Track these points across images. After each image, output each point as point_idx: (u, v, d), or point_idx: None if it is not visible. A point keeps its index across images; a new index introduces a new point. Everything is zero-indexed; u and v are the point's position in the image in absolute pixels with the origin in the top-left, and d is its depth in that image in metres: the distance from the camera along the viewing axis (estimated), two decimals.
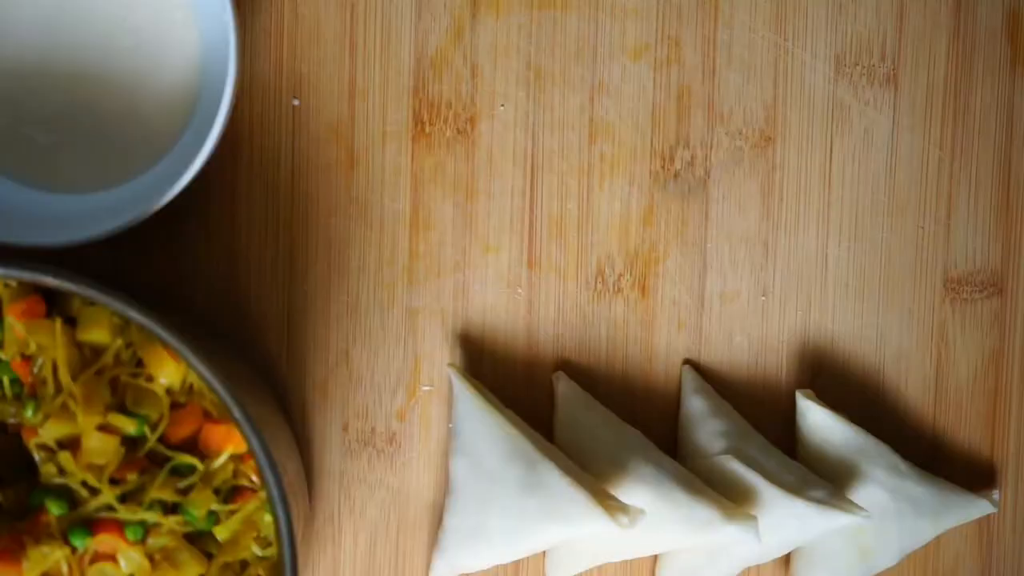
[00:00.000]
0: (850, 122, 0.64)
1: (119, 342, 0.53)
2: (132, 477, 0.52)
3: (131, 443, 0.53)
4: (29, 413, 0.52)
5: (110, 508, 0.52)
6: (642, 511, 0.58)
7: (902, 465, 0.63)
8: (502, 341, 0.64)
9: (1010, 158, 0.65)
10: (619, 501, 0.59)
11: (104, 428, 0.52)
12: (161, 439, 0.53)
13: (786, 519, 0.61)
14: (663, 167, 0.63)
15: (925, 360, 0.65)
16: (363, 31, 0.62)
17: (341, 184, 0.62)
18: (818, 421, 0.63)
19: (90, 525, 0.52)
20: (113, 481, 0.52)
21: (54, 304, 0.53)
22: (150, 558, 0.52)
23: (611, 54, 0.63)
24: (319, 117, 0.62)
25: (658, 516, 0.60)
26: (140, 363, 0.53)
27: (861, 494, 0.62)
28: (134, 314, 0.49)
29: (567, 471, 0.59)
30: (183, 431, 0.53)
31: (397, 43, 0.62)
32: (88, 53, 0.57)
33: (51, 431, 0.52)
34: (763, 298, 0.63)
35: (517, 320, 0.64)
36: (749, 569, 0.64)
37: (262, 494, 0.53)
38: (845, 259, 0.64)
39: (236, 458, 0.53)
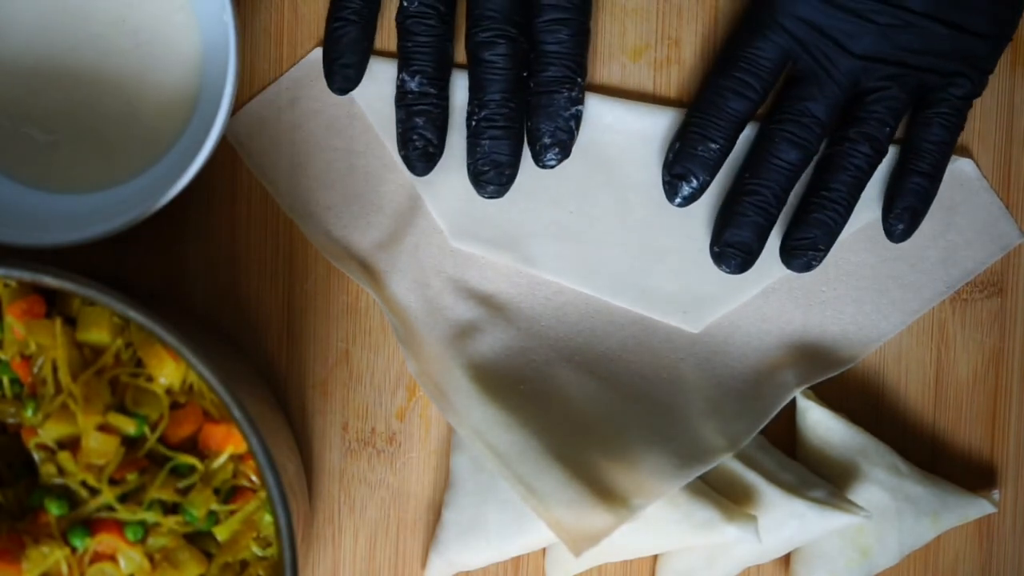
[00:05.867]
0: None
1: (119, 342, 0.53)
2: (132, 477, 0.52)
3: (131, 443, 0.53)
4: (29, 413, 0.52)
5: (110, 508, 0.52)
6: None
7: (902, 465, 0.63)
8: None
9: (1010, 158, 0.64)
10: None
11: (104, 428, 0.52)
12: (161, 439, 0.53)
13: (786, 519, 0.61)
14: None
15: (925, 360, 0.65)
16: None
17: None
18: (818, 421, 0.63)
19: (90, 525, 0.52)
20: (113, 481, 0.52)
21: (54, 304, 0.53)
22: (150, 558, 0.52)
23: (611, 54, 0.63)
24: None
25: (658, 516, 0.60)
26: (140, 363, 0.53)
27: (861, 494, 0.62)
28: (134, 314, 0.49)
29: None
30: (183, 431, 0.53)
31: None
32: (88, 53, 0.57)
33: (51, 431, 0.52)
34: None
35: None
36: (749, 569, 0.64)
37: (262, 494, 0.53)
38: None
39: (236, 458, 0.53)
